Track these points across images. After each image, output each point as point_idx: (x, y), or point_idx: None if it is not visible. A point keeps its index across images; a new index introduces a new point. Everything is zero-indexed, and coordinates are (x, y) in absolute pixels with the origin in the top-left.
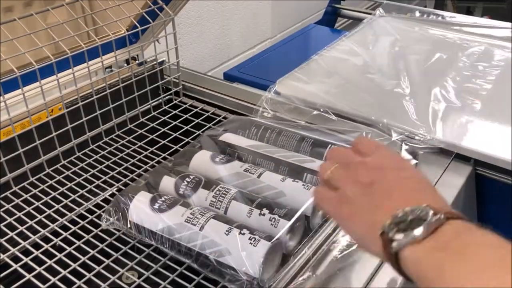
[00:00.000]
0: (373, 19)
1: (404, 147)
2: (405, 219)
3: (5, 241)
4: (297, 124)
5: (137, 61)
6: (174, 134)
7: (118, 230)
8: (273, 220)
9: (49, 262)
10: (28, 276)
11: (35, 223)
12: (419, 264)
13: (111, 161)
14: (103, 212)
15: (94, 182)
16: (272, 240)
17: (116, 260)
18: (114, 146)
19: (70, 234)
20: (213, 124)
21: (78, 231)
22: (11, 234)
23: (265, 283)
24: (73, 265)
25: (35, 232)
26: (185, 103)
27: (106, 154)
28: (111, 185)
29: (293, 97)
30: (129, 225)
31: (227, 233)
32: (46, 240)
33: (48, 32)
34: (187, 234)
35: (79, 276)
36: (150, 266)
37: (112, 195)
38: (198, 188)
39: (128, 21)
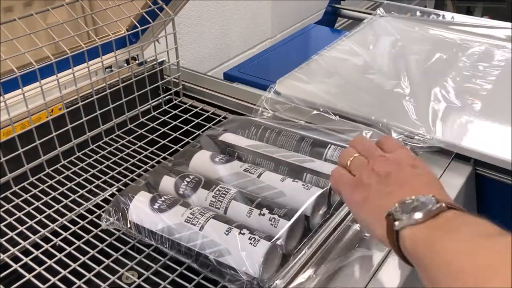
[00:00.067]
0: (373, 19)
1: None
2: (411, 205)
3: (5, 241)
4: (297, 124)
5: (137, 61)
6: (174, 134)
7: (118, 230)
8: (273, 220)
9: (49, 262)
10: (28, 276)
11: (35, 223)
12: (414, 240)
13: (111, 161)
14: (103, 212)
15: (94, 182)
16: (272, 240)
17: (116, 260)
18: (114, 146)
19: (70, 234)
20: (213, 124)
21: (78, 231)
22: (11, 234)
23: (265, 283)
24: (73, 265)
25: (35, 232)
26: (185, 103)
27: (106, 154)
28: (111, 185)
29: (293, 97)
30: (129, 225)
31: (227, 233)
32: (46, 240)
33: (48, 32)
34: (187, 234)
35: (79, 276)
36: (150, 266)
37: (112, 195)
38: (198, 188)
39: (128, 21)
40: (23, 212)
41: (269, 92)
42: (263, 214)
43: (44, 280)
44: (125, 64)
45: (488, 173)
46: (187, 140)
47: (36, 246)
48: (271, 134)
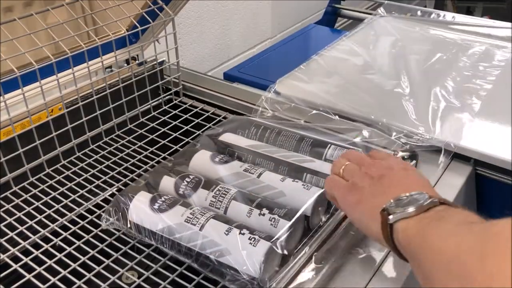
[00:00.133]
0: (373, 19)
1: (404, 146)
2: (405, 200)
3: (5, 241)
4: (297, 123)
5: (137, 61)
6: (174, 134)
7: (118, 230)
8: (273, 220)
9: (49, 262)
10: (28, 276)
11: (35, 223)
12: (407, 232)
13: (111, 161)
14: (103, 212)
15: (94, 182)
16: (272, 240)
17: (116, 260)
18: (114, 146)
19: (70, 234)
20: (213, 124)
21: (78, 231)
22: (11, 234)
23: (265, 283)
24: (73, 265)
25: (35, 232)
26: (185, 103)
27: (106, 154)
28: (111, 185)
29: (293, 97)
30: (129, 225)
31: (227, 233)
32: (46, 240)
33: (48, 32)
34: (187, 234)
35: (79, 276)
36: (150, 266)
37: (112, 195)
38: (198, 188)
39: (128, 21)
40: (23, 212)
41: (269, 92)
42: (263, 214)
43: (44, 280)
44: (125, 64)
45: (488, 173)
46: (187, 140)
47: (36, 246)
48: (271, 134)
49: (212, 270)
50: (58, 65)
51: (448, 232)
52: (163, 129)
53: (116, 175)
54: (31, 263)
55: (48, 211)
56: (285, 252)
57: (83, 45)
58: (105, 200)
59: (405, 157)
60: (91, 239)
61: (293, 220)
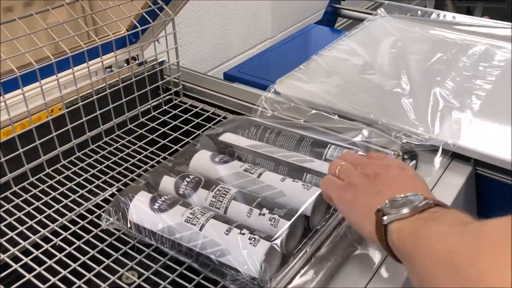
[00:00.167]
0: (373, 19)
1: (404, 146)
2: (400, 201)
3: (5, 241)
4: (297, 123)
5: (137, 61)
6: (174, 134)
7: (118, 230)
8: (273, 220)
9: (49, 262)
10: (28, 276)
11: (35, 223)
12: (401, 233)
13: (111, 161)
14: (103, 212)
15: (94, 182)
16: (272, 239)
17: (116, 260)
18: (114, 146)
19: (70, 234)
20: (213, 124)
21: (78, 231)
22: (11, 234)
23: (265, 283)
24: (73, 265)
25: (35, 232)
26: (185, 103)
27: (106, 154)
28: (111, 185)
29: (293, 96)
30: (129, 225)
31: (227, 233)
32: (46, 240)
33: (48, 32)
34: (188, 234)
35: (79, 276)
36: (150, 266)
37: (112, 195)
38: (198, 188)
39: (128, 21)
40: (23, 212)
41: (269, 92)
42: (263, 214)
43: (44, 280)
44: (125, 64)
45: (488, 173)
46: (187, 140)
47: (36, 246)
48: (271, 134)
49: (212, 270)
50: (58, 65)
51: (442, 233)
52: (163, 129)
53: (116, 175)
54: (31, 263)
55: (48, 211)
56: (285, 252)
57: (83, 45)
58: (105, 200)
59: (405, 157)
60: (91, 239)
61: (293, 220)
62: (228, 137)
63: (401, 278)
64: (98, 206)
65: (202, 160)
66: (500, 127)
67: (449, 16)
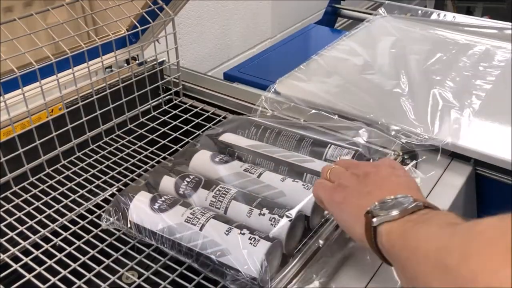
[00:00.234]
0: (373, 19)
1: (404, 146)
2: (389, 203)
3: (5, 241)
4: (297, 123)
5: (137, 61)
6: (174, 134)
7: (118, 230)
8: (273, 220)
9: (49, 262)
10: (28, 276)
11: (35, 223)
12: (390, 235)
13: (111, 161)
14: (103, 212)
15: (94, 182)
16: (272, 239)
17: (116, 260)
18: (114, 146)
19: (70, 234)
20: (213, 124)
21: (78, 231)
22: (11, 234)
23: (266, 283)
24: (73, 265)
25: (35, 232)
26: (185, 103)
27: (106, 154)
28: (111, 185)
29: (293, 96)
30: (129, 225)
31: (227, 233)
32: (46, 240)
33: (48, 32)
34: (188, 234)
35: (79, 276)
36: (150, 266)
37: (112, 195)
38: (198, 188)
39: (128, 21)
40: (23, 212)
41: (269, 92)
42: (263, 214)
43: (44, 280)
44: (125, 64)
45: (488, 173)
46: (187, 140)
47: (36, 246)
48: (271, 134)
49: (212, 270)
50: (58, 65)
51: (432, 234)
52: (163, 129)
53: (116, 175)
54: (31, 263)
55: (48, 211)
56: (285, 252)
57: (83, 45)
58: (105, 200)
59: (405, 157)
60: (91, 239)
61: (293, 220)
62: (228, 137)
63: None
64: (98, 206)
65: (202, 160)
66: (500, 127)
67: (449, 16)
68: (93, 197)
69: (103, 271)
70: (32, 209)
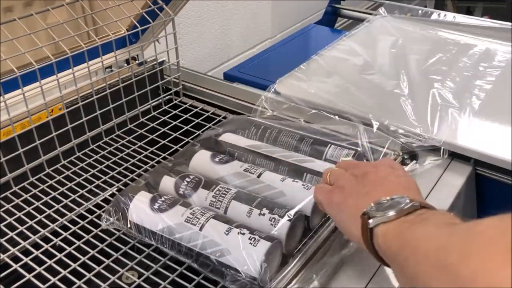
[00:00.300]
0: (373, 19)
1: (404, 146)
2: (385, 204)
3: (5, 241)
4: (297, 123)
5: (137, 61)
6: (174, 134)
7: (118, 230)
8: (273, 220)
9: (49, 262)
10: (28, 276)
11: (35, 223)
12: (387, 236)
13: (111, 161)
14: (103, 212)
15: (94, 182)
16: (272, 239)
17: (116, 260)
18: (114, 146)
19: (70, 234)
20: (213, 124)
21: (78, 231)
22: (11, 234)
23: (265, 283)
24: (73, 265)
25: (35, 232)
26: (185, 103)
27: (106, 154)
28: (111, 185)
29: (293, 96)
30: (129, 225)
31: (227, 233)
32: (46, 240)
33: (48, 32)
34: (188, 234)
35: (79, 276)
36: (150, 266)
37: (112, 195)
38: (198, 188)
39: (128, 21)
40: (23, 212)
41: (269, 92)
42: (263, 214)
43: (44, 280)
44: (125, 64)
45: (488, 173)
46: (187, 140)
47: (36, 246)
48: (271, 134)
49: (212, 270)
50: (58, 65)
51: (431, 234)
52: (163, 129)
53: (116, 175)
54: (31, 263)
55: (48, 211)
56: (285, 252)
57: (83, 45)
58: (105, 200)
59: (405, 157)
60: (91, 239)
61: (293, 220)
62: (228, 137)
63: None
64: (98, 206)
65: (202, 160)
66: (500, 127)
67: (449, 16)
68: (93, 197)
69: (103, 271)
70: (32, 209)
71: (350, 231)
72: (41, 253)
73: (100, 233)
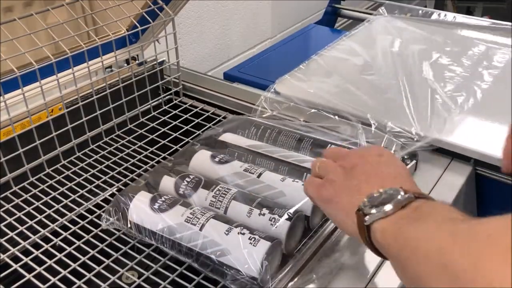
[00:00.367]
0: (373, 19)
1: (404, 147)
2: (379, 198)
3: (5, 241)
4: (297, 123)
5: (137, 61)
6: (174, 134)
7: (118, 230)
8: (273, 220)
9: (49, 262)
10: (28, 276)
11: (35, 223)
12: (384, 233)
13: (111, 161)
14: (103, 212)
15: (94, 182)
16: (272, 239)
17: (116, 260)
18: (114, 146)
19: (70, 234)
20: (213, 124)
21: (78, 231)
22: (11, 234)
23: (266, 283)
24: (73, 265)
25: (35, 232)
26: (185, 103)
27: (106, 154)
28: (111, 185)
29: (293, 96)
30: (129, 225)
31: (227, 233)
32: (46, 240)
33: (48, 32)
34: (188, 234)
35: (79, 276)
36: (150, 266)
37: (112, 195)
38: (198, 188)
39: (128, 21)
40: (23, 212)
41: (269, 92)
42: (263, 214)
43: (44, 280)
44: (125, 64)
45: (488, 173)
46: (187, 140)
47: (36, 246)
48: (271, 134)
49: (212, 270)
50: (58, 65)
51: (431, 233)
52: (163, 129)
53: (116, 175)
54: (31, 263)
55: (48, 211)
56: (285, 252)
57: (83, 45)
58: (105, 200)
59: (405, 157)
60: (91, 239)
61: (293, 220)
62: (228, 137)
63: None
64: (98, 206)
65: (202, 160)
66: (500, 127)
67: (449, 16)
68: (93, 197)
69: (103, 271)
70: (32, 209)
71: (345, 227)
72: (41, 253)
73: (100, 233)
